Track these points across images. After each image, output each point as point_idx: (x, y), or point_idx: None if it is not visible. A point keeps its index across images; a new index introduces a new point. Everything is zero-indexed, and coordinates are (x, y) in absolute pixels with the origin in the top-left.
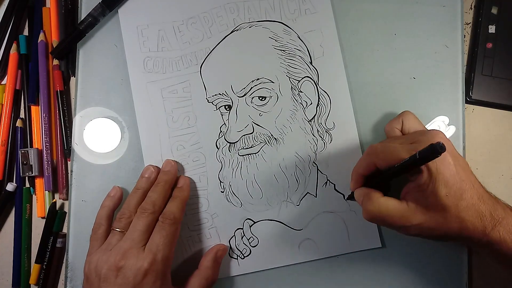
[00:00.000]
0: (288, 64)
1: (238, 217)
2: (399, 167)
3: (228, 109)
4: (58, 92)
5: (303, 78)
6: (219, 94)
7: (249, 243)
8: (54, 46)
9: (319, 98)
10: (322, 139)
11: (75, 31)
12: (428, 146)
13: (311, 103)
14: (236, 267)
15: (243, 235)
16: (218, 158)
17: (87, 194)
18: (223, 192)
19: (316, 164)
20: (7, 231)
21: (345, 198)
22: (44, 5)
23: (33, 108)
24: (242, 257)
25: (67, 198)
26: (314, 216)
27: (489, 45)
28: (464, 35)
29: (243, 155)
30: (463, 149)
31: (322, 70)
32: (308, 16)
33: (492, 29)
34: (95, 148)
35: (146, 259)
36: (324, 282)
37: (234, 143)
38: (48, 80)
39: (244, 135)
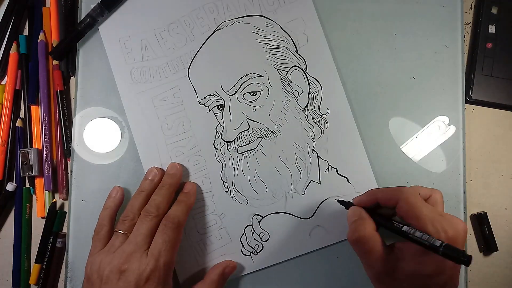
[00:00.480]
0: (275, 56)
1: (246, 214)
2: (414, 239)
3: (221, 108)
4: (58, 92)
5: (291, 68)
6: (210, 95)
7: (260, 238)
8: (54, 46)
9: (309, 85)
10: (318, 125)
11: (73, 32)
12: (458, 252)
13: (303, 92)
14: (251, 264)
15: (253, 231)
16: (218, 159)
17: (87, 194)
18: (227, 191)
19: (315, 151)
20: (7, 231)
21: (338, 201)
22: (44, 5)
23: (33, 108)
24: (255, 253)
25: (67, 198)
26: (320, 203)
27: (489, 45)
28: (464, 35)
29: (242, 152)
30: (463, 149)
31: (308, 57)
32: (287, 5)
33: (492, 29)
34: (95, 148)
35: (148, 264)
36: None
37: (231, 141)
38: (48, 80)
39: (241, 132)
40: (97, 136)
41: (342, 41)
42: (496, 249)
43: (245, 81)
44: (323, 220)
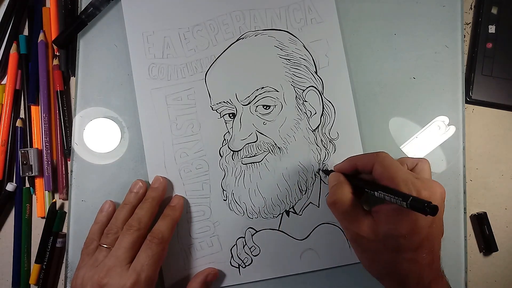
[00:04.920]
0: (293, 73)
1: (240, 226)
2: (386, 192)
3: (232, 117)
4: (58, 92)
5: (307, 87)
6: (224, 102)
7: (251, 252)
8: (57, 35)
9: (323, 108)
10: (326, 149)
11: (77, 20)
12: (423, 203)
13: (315, 113)
14: (237, 276)
15: (244, 244)
16: (221, 166)
17: (87, 194)
18: (225, 200)
19: (319, 174)
20: (7, 231)
21: (319, 169)
22: (44, 5)
23: (33, 108)
24: (243, 266)
25: (67, 198)
26: (316, 226)
27: (489, 45)
28: (464, 35)
29: (246, 164)
30: (463, 149)
31: (327, 80)
32: (314, 25)
33: (492, 29)
34: (95, 148)
35: (129, 278)
36: None
37: (237, 151)
38: (48, 80)
39: (248, 143)
40: (97, 136)
41: (342, 41)
42: (496, 249)
43: (260, 94)
44: (316, 243)
